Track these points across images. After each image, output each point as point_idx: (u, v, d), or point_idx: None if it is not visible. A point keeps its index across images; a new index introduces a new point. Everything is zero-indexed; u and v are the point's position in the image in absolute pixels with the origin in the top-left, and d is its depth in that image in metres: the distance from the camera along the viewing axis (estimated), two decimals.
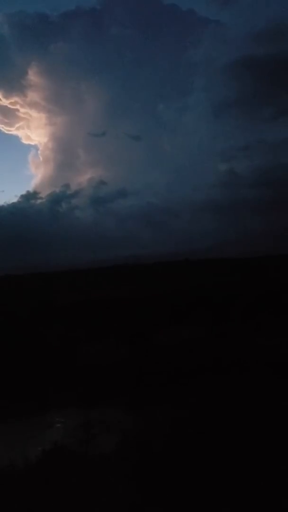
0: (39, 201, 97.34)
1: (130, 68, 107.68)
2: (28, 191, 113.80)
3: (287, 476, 5.07)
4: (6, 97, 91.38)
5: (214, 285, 23.92)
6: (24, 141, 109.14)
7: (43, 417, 9.46)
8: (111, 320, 16.63)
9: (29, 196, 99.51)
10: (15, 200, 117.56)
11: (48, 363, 12.02)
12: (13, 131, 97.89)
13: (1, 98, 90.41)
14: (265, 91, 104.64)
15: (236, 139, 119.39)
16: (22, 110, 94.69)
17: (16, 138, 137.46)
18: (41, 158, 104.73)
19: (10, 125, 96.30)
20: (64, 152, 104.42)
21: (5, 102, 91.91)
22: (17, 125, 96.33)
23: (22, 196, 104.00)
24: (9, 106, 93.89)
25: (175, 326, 15.13)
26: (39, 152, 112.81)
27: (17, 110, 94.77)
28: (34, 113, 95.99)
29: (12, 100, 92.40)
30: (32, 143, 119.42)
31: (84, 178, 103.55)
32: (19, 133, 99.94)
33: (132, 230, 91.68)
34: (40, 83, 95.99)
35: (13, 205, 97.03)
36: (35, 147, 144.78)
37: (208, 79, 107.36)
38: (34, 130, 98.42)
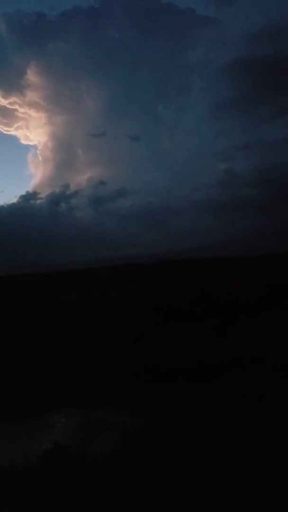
0: (38, 201, 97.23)
1: (129, 68, 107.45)
2: (27, 192, 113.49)
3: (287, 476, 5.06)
4: (4, 97, 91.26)
5: (214, 284, 23.89)
6: (23, 141, 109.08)
7: (43, 417, 9.44)
8: (111, 320, 16.61)
9: (28, 197, 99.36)
10: (14, 200, 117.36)
11: (48, 363, 12.00)
12: (12, 131, 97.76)
13: (0, 98, 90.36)
14: (264, 91, 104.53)
15: (235, 139, 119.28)
16: (21, 110, 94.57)
17: (15, 139, 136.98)
18: (40, 158, 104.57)
19: (9, 125, 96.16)
20: (64, 152, 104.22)
21: (4, 102, 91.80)
22: (16, 125, 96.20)
23: (21, 196, 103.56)
24: (8, 106, 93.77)
25: (176, 325, 15.11)
26: (38, 152, 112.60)
27: (16, 110, 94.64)
28: (33, 113, 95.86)
29: (11, 100, 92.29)
30: (31, 143, 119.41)
31: (83, 178, 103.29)
32: (18, 133, 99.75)
33: (132, 229, 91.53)
34: (39, 82, 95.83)
35: (13, 205, 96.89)
36: (34, 147, 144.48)
37: (207, 79, 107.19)
38: (33, 130, 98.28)
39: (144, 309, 18.08)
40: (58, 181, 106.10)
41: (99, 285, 29.96)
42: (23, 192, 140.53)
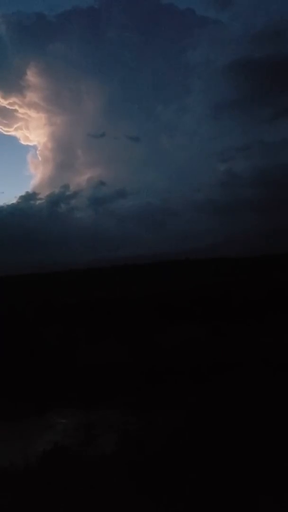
0: (38, 202, 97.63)
1: (129, 69, 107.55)
2: (27, 192, 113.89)
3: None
4: (4, 97, 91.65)
5: (214, 284, 23.91)
6: (23, 142, 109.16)
7: (43, 417, 9.43)
8: (111, 320, 16.61)
9: (28, 197, 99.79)
10: (14, 201, 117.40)
11: (48, 363, 12.00)
12: (11, 131, 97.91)
13: (0, 99, 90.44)
14: (264, 91, 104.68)
15: (235, 140, 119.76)
16: (20, 110, 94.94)
17: (14, 139, 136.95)
18: (40, 159, 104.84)
19: (9, 125, 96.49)
20: (63, 153, 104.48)
21: (4, 102, 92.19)
22: (15, 126, 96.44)
23: (21, 197, 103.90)
24: (8, 106, 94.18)
25: (176, 326, 15.11)
26: (38, 152, 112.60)
27: (16, 110, 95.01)
28: (33, 114, 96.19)
29: (11, 101, 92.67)
30: (31, 143, 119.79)
31: (83, 178, 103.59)
32: (18, 134, 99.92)
33: (132, 230, 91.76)
34: (39, 83, 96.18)
35: (13, 206, 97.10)
36: (34, 147, 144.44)
37: (206, 79, 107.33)
38: (33, 130, 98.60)
39: (144, 309, 18.08)
40: (57, 181, 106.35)
41: (99, 286, 29.97)
42: (23, 193, 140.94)
